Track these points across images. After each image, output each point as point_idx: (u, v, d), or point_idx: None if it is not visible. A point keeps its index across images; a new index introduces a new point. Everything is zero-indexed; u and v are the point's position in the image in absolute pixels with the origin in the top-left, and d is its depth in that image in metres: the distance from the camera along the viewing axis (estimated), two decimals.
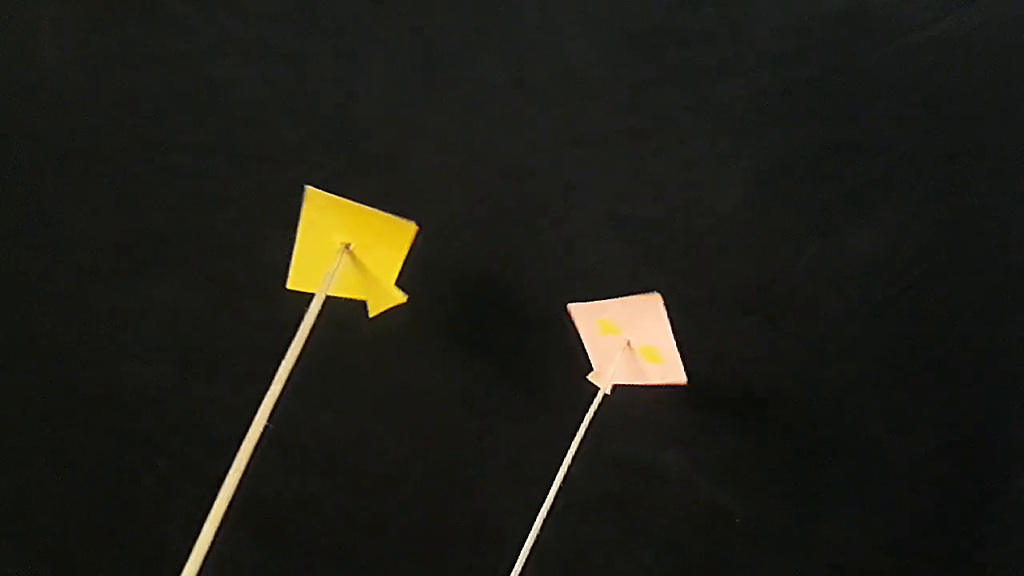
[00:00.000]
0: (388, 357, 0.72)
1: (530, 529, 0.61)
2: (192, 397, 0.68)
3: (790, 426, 0.70)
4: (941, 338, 0.69)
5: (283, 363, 0.53)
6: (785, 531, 0.70)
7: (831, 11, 0.68)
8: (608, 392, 0.65)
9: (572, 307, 0.66)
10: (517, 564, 0.60)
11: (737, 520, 0.70)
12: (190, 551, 0.45)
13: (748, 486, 0.70)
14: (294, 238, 0.71)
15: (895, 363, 0.69)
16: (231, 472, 0.47)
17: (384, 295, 0.63)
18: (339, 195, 0.70)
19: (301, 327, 0.55)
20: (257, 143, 0.71)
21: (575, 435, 0.69)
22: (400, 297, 0.63)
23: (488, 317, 0.71)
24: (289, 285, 0.61)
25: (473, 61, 0.70)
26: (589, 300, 0.68)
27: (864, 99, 0.69)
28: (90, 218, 0.71)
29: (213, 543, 0.46)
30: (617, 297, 0.64)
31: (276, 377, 0.52)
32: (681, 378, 0.65)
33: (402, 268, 0.62)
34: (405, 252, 0.61)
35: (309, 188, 0.57)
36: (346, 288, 0.62)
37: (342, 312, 0.70)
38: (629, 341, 0.66)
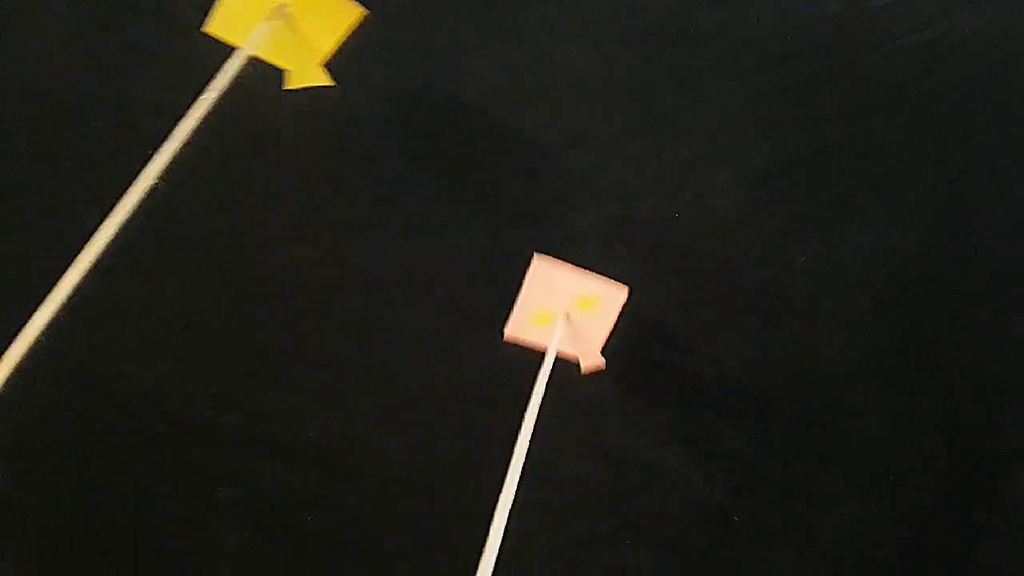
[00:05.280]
0: (389, 357, 0.72)
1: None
2: (194, 397, 0.68)
3: (790, 426, 0.70)
4: (940, 338, 0.69)
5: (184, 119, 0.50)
6: (784, 530, 0.70)
7: (829, 14, 0.69)
8: (506, 337, 0.64)
9: (537, 259, 0.64)
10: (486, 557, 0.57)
11: (736, 519, 0.70)
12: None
13: (747, 485, 0.70)
14: (293, 236, 0.71)
15: (894, 363, 0.69)
16: None
17: (309, 70, 0.60)
18: (339, 194, 0.70)
19: (213, 81, 0.51)
20: (257, 143, 0.71)
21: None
22: (325, 79, 0.60)
23: (488, 316, 0.71)
24: (209, 29, 0.56)
25: (473, 61, 0.70)
26: None
27: (862, 100, 0.69)
28: (91, 218, 0.71)
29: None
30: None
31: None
32: (598, 361, 0.65)
33: (337, 49, 0.59)
34: (344, 31, 0.58)
35: None
36: (271, 51, 0.58)
37: (343, 312, 0.70)
38: (569, 314, 0.65)
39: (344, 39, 0.60)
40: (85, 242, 0.71)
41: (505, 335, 0.66)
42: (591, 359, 0.66)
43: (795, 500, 0.70)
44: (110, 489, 0.71)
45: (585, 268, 0.71)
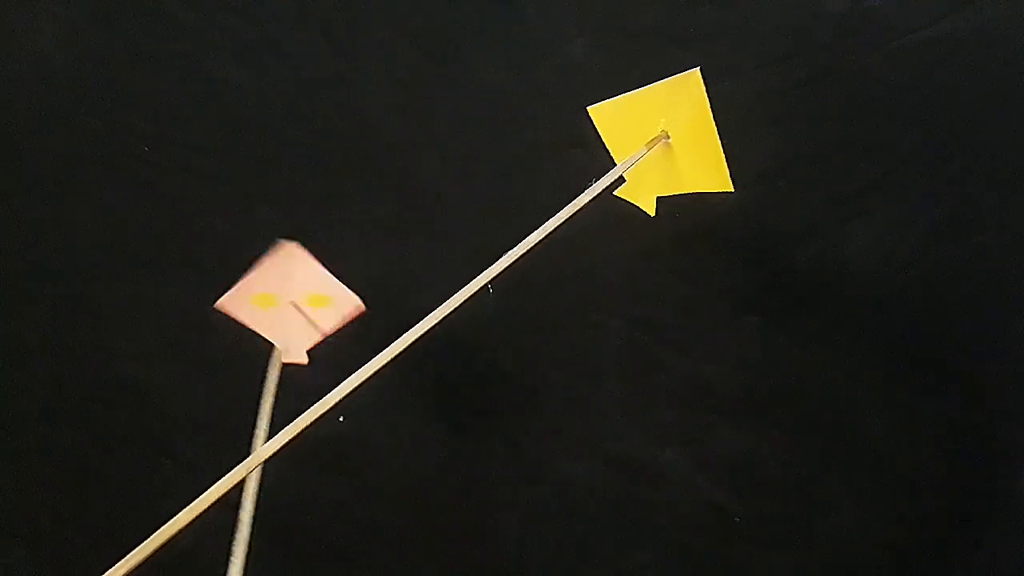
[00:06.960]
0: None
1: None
2: (193, 397, 0.68)
3: (790, 426, 0.70)
4: (940, 338, 0.69)
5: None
6: (784, 531, 0.70)
7: (830, 12, 0.68)
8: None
9: (287, 244, 0.62)
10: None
11: (737, 520, 0.70)
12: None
13: (748, 486, 0.70)
14: (294, 238, 0.71)
15: (894, 363, 0.69)
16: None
17: (644, 195, 0.61)
18: (339, 194, 0.70)
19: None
20: (257, 143, 0.71)
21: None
22: (651, 207, 0.61)
23: (488, 316, 0.71)
24: (593, 114, 0.59)
25: (473, 61, 0.70)
26: (589, 299, 0.68)
27: (863, 99, 0.69)
28: (90, 218, 0.71)
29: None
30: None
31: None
32: (300, 358, 0.63)
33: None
34: (701, 188, 0.58)
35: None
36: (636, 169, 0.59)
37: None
38: (295, 304, 0.63)
39: (693, 192, 0.60)
40: (83, 242, 0.71)
41: (217, 305, 0.64)
42: (295, 354, 0.65)
43: (795, 500, 0.70)
44: (110, 489, 0.71)
45: (585, 268, 0.71)
